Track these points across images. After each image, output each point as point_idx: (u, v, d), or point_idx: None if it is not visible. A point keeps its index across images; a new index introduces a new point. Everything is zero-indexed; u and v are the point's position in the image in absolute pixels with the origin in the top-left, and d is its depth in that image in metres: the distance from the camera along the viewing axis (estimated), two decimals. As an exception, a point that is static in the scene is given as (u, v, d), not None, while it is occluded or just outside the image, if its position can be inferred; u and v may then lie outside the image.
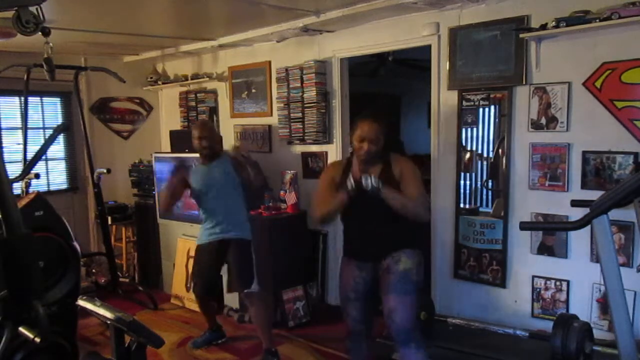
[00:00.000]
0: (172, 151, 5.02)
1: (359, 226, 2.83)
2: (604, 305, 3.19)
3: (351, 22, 4.11)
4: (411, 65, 6.21)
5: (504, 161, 3.59)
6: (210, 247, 3.65)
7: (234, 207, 3.65)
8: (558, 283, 3.43)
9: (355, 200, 2.64)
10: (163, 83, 5.94)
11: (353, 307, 2.88)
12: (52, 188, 5.61)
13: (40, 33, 2.49)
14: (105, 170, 4.85)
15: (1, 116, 5.20)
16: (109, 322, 1.89)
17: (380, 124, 2.71)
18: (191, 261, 4.84)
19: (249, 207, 3.86)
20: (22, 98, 4.72)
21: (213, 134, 3.73)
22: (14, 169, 4.69)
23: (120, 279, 5.24)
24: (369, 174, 2.61)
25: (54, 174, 5.65)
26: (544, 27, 3.20)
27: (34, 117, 5.36)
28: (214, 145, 3.67)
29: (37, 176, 4.43)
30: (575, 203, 2.99)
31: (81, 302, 2.06)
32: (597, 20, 2.98)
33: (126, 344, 1.90)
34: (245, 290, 3.61)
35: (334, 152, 4.56)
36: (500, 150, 3.63)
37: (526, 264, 3.56)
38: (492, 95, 3.61)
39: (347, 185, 2.64)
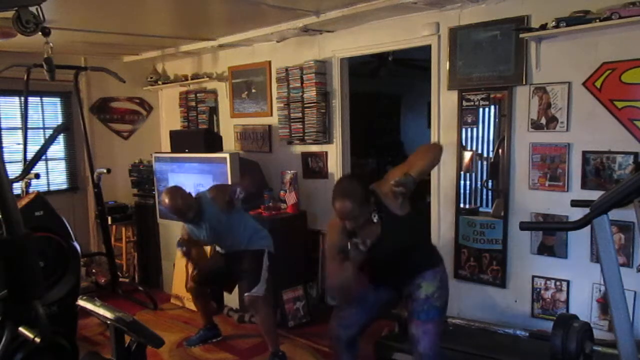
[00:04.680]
0: (172, 151, 5.02)
1: (372, 264, 2.74)
2: (604, 305, 3.19)
3: (351, 22, 4.11)
4: (411, 65, 6.21)
5: (504, 161, 3.59)
6: (215, 255, 3.94)
7: (238, 233, 3.66)
8: (558, 283, 3.43)
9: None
10: (163, 83, 5.94)
11: (349, 310, 2.81)
12: (52, 188, 5.61)
13: (40, 33, 2.49)
14: (105, 170, 4.85)
15: (1, 116, 5.20)
16: (109, 322, 1.90)
17: (353, 199, 2.49)
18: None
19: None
20: (22, 98, 4.72)
21: (184, 208, 3.57)
22: (14, 169, 4.70)
23: (120, 279, 5.23)
24: (355, 242, 2.58)
25: (54, 174, 5.65)
26: (544, 27, 3.20)
27: (34, 117, 5.36)
28: (188, 212, 3.59)
29: (37, 176, 4.43)
30: (575, 203, 2.99)
31: (81, 302, 2.06)
32: (597, 20, 2.98)
33: (126, 344, 1.90)
34: (246, 294, 3.61)
35: (334, 152, 4.57)
36: (500, 150, 3.63)
37: (526, 264, 3.56)
38: (492, 95, 3.61)
39: (351, 252, 2.59)
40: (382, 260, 2.68)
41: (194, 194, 3.72)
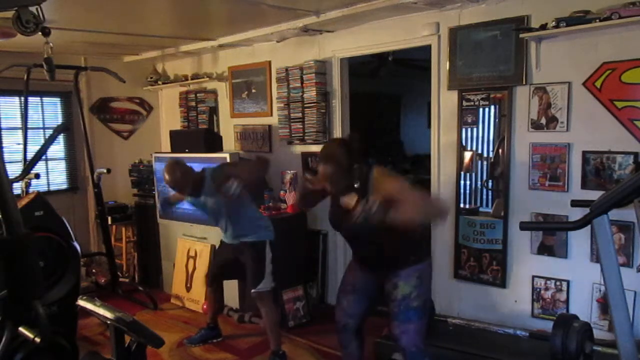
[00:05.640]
0: (172, 151, 5.02)
1: (355, 251, 2.88)
2: (604, 305, 3.19)
3: (351, 22, 4.11)
4: (411, 65, 6.21)
5: (504, 161, 3.59)
6: (222, 245, 3.89)
7: (239, 217, 3.65)
8: (558, 283, 3.43)
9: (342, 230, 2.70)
10: (163, 83, 5.94)
11: (345, 299, 2.87)
12: (52, 188, 5.61)
13: (40, 33, 2.49)
14: (105, 170, 4.85)
15: (1, 116, 5.20)
16: (109, 322, 1.89)
17: (333, 164, 2.57)
18: (191, 261, 4.87)
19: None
20: (22, 98, 4.72)
21: (182, 180, 3.57)
22: (14, 169, 4.70)
23: (120, 279, 5.23)
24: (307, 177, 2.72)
25: (54, 174, 5.65)
26: (544, 27, 3.20)
27: (34, 117, 5.36)
28: (187, 186, 3.60)
29: (37, 176, 4.43)
30: (575, 203, 2.99)
31: (81, 302, 2.06)
32: (597, 20, 2.98)
33: (126, 344, 1.90)
34: (253, 290, 3.61)
35: (334, 152, 4.56)
36: (500, 150, 3.63)
37: (526, 264, 3.56)
38: (492, 95, 3.61)
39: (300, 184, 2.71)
40: (357, 237, 2.71)
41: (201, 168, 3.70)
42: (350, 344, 2.91)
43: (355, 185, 2.59)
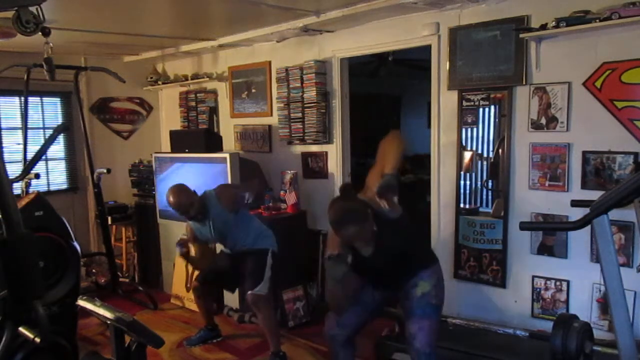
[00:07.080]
0: (172, 151, 5.02)
1: (370, 270, 2.73)
2: (604, 305, 3.19)
3: (351, 22, 4.11)
4: (411, 65, 6.21)
5: (504, 161, 3.59)
6: (221, 254, 3.99)
7: (244, 230, 3.72)
8: (558, 283, 3.43)
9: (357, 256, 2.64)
10: (163, 83, 5.94)
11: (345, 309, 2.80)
12: (52, 188, 5.60)
13: (40, 33, 2.49)
14: (105, 170, 4.85)
15: (1, 116, 5.19)
16: (109, 322, 1.89)
17: (355, 222, 2.48)
18: (191, 261, 4.87)
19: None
20: (22, 98, 4.72)
21: (187, 204, 3.64)
22: (14, 169, 4.70)
23: (120, 279, 5.24)
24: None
25: (54, 174, 5.65)
26: (544, 27, 3.20)
27: (34, 117, 5.35)
28: (190, 209, 3.64)
29: (37, 176, 4.42)
30: (575, 203, 2.99)
31: (81, 302, 2.06)
32: (597, 20, 2.98)
33: (126, 344, 1.90)
34: (250, 292, 3.61)
35: (334, 152, 4.56)
36: (500, 150, 3.63)
37: (526, 264, 3.56)
38: (492, 95, 3.61)
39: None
40: (380, 267, 2.67)
41: (199, 192, 3.74)
42: (339, 355, 2.82)
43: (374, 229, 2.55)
